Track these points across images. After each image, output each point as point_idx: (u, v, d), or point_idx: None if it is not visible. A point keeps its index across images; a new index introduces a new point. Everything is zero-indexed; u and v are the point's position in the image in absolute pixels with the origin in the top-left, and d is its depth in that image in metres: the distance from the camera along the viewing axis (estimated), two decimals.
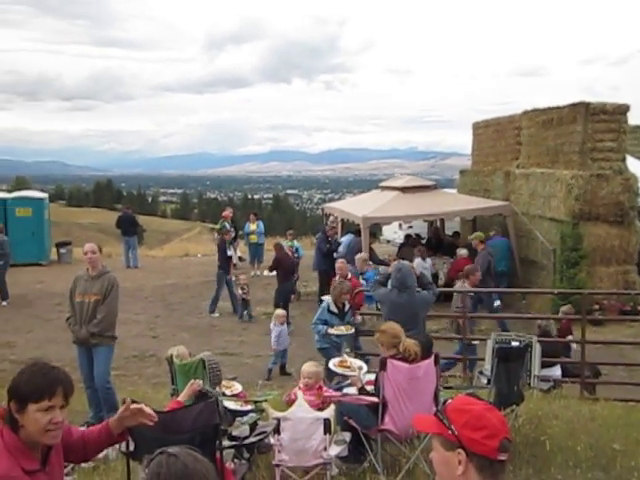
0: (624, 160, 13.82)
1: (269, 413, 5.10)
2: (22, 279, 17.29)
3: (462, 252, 13.81)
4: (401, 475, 5.03)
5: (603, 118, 13.65)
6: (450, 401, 2.01)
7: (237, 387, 6.00)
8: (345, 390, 5.75)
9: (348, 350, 7.95)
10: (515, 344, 6.63)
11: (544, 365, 7.82)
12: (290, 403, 5.17)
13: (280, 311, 10.94)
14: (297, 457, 4.80)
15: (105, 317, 7.11)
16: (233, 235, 16.83)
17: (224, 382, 5.85)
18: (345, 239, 14.84)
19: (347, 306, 8.34)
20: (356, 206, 16.46)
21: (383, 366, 5.07)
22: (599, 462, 5.35)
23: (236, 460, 4.96)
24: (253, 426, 5.18)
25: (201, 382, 5.07)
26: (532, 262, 14.72)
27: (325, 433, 4.74)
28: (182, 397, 4.87)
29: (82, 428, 3.18)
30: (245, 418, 5.29)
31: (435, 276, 14.38)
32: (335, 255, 13.23)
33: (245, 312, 13.92)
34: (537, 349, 7.33)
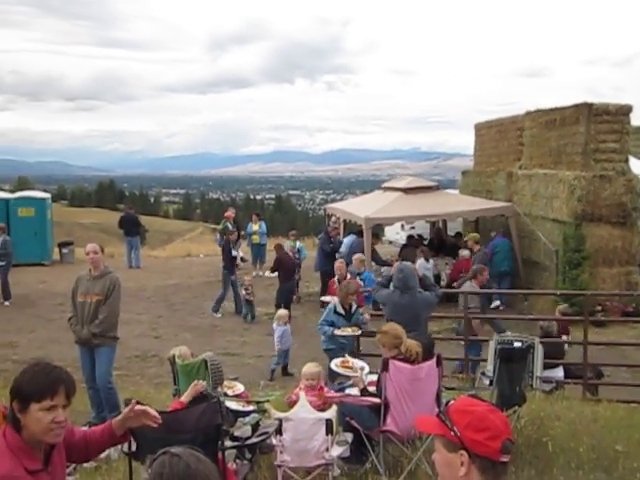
0: (627, 161, 13.80)
1: (271, 413, 5.11)
2: (24, 279, 17.31)
3: (464, 253, 13.82)
4: (403, 476, 5.03)
5: (606, 119, 13.64)
6: (452, 402, 2.01)
7: (239, 387, 6.00)
8: (347, 391, 5.75)
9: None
10: (517, 345, 6.61)
11: (546, 366, 7.81)
12: (291, 404, 5.17)
13: (283, 311, 10.95)
14: (299, 458, 4.80)
15: (107, 317, 7.11)
16: (237, 235, 16.85)
17: (226, 382, 5.85)
18: (347, 240, 14.84)
19: (354, 307, 8.27)
20: (358, 207, 16.46)
21: (385, 367, 5.07)
22: (601, 463, 5.35)
23: (238, 460, 4.97)
24: (255, 427, 5.18)
25: (204, 383, 5.08)
26: (534, 263, 14.70)
27: (327, 434, 4.74)
28: (185, 398, 4.87)
29: (84, 428, 3.18)
30: (247, 419, 5.29)
31: (437, 277, 14.38)
32: (337, 255, 13.23)
33: (248, 313, 13.92)
34: (539, 350, 7.32)
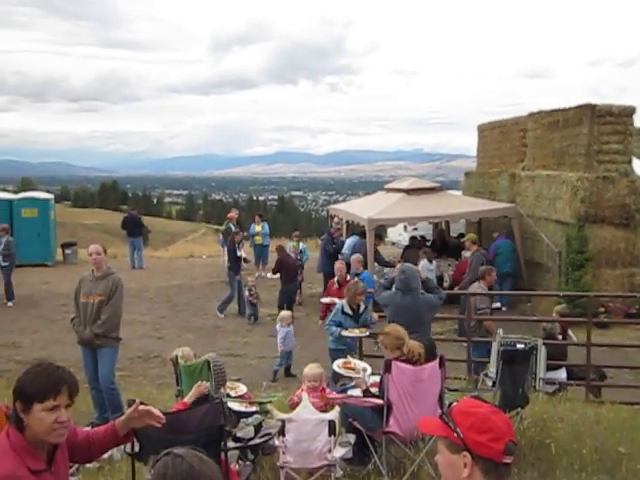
0: (630, 162, 13.79)
1: (274, 414, 5.11)
2: (28, 280, 17.34)
3: (467, 254, 13.80)
4: (406, 477, 5.02)
5: (609, 120, 13.63)
6: (455, 404, 2.01)
7: (242, 388, 6.00)
8: (350, 392, 5.74)
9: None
10: (520, 347, 6.60)
11: (549, 368, 7.80)
12: (293, 406, 5.16)
13: (286, 313, 10.94)
14: (302, 459, 4.80)
15: (109, 318, 7.12)
16: (242, 236, 16.87)
17: (229, 383, 5.86)
18: (349, 241, 14.83)
19: (362, 307, 8.21)
20: (361, 208, 16.46)
21: (388, 368, 5.07)
22: (604, 465, 5.34)
23: (241, 461, 4.97)
24: (258, 427, 5.18)
25: (208, 384, 5.08)
26: (537, 264, 14.69)
27: (330, 435, 4.74)
28: (189, 398, 4.88)
29: (87, 429, 3.19)
30: (250, 419, 5.29)
31: (440, 278, 14.37)
32: (340, 257, 13.23)
33: (252, 314, 13.91)
34: (542, 352, 7.31)
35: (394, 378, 5.04)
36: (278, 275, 14.15)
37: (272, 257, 17.49)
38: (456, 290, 12.38)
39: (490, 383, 6.83)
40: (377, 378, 5.60)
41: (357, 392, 5.58)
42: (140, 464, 4.26)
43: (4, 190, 37.05)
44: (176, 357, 5.88)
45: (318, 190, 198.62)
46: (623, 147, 13.67)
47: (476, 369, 8.96)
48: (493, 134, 18.88)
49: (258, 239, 18.49)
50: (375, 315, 8.33)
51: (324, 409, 5.19)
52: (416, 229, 20.93)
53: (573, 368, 8.80)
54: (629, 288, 13.12)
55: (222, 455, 4.11)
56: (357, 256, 12.03)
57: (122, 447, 4.36)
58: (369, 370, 6.12)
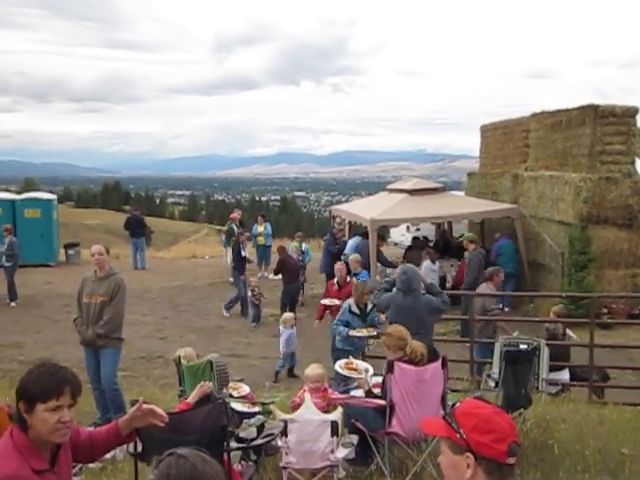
0: (633, 163, 13.76)
1: (276, 415, 5.11)
2: (31, 280, 17.37)
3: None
4: (408, 478, 5.02)
5: (612, 121, 13.60)
6: (458, 404, 2.00)
7: (244, 389, 6.01)
8: (352, 393, 5.74)
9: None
10: (523, 347, 6.59)
11: (552, 369, 7.79)
12: (295, 408, 5.16)
13: (289, 314, 10.95)
14: (304, 459, 4.80)
15: (111, 318, 7.13)
16: (247, 236, 16.89)
17: (231, 384, 5.86)
18: (352, 241, 14.82)
19: (369, 306, 8.17)
20: (364, 208, 16.45)
21: (390, 369, 5.06)
22: (607, 466, 5.33)
23: (243, 462, 4.97)
24: (260, 428, 5.18)
25: (211, 384, 5.08)
26: (540, 265, 14.67)
27: (332, 435, 4.74)
28: (192, 399, 4.88)
29: (90, 429, 3.19)
30: (252, 420, 5.29)
31: (443, 279, 14.36)
32: (343, 257, 13.22)
33: (255, 315, 13.90)
34: (545, 352, 7.30)
35: (397, 379, 5.04)
36: (280, 276, 14.16)
37: (274, 257, 17.50)
38: (460, 291, 12.39)
39: (493, 384, 6.82)
40: (379, 379, 5.60)
41: (359, 393, 5.59)
42: (143, 464, 4.26)
43: (7, 190, 37.11)
44: (179, 357, 5.89)
45: (320, 190, 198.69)
46: (626, 148, 13.64)
47: (479, 370, 8.96)
48: (496, 135, 18.86)
49: (260, 239, 18.51)
50: (382, 315, 8.30)
51: (326, 409, 5.19)
52: (419, 230, 20.91)
53: (576, 369, 8.78)
54: (632, 289, 13.10)
55: (225, 455, 4.11)
56: (355, 256, 12.02)
57: (125, 447, 4.37)
58: (371, 371, 6.12)
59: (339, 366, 6.27)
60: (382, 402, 5.12)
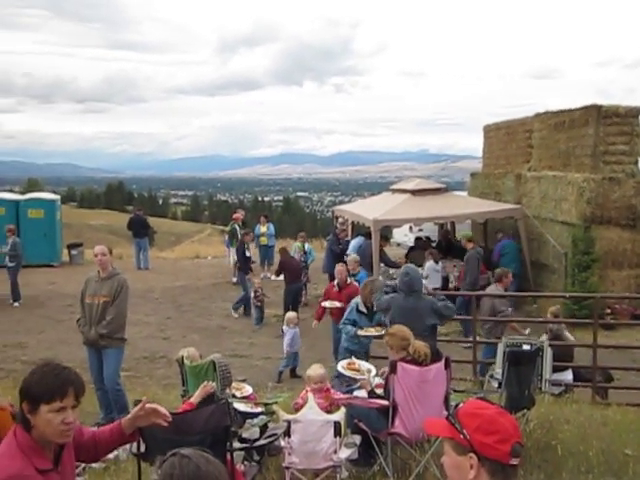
0: (636, 163, 13.74)
1: (279, 415, 5.11)
2: (34, 280, 17.40)
3: None
4: (411, 479, 5.02)
5: (615, 121, 13.58)
6: (462, 405, 2.00)
7: (247, 389, 6.01)
8: (355, 393, 5.74)
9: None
10: (526, 348, 6.59)
11: (555, 369, 7.78)
12: (298, 409, 5.15)
13: (292, 314, 10.95)
14: (307, 460, 4.80)
15: (114, 319, 7.14)
16: (252, 236, 16.89)
17: (234, 384, 5.86)
18: (355, 242, 14.82)
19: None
20: (367, 209, 16.44)
21: (393, 369, 5.06)
22: (611, 467, 5.32)
23: (246, 462, 4.98)
24: (263, 428, 5.19)
25: (214, 384, 5.09)
26: (543, 265, 14.65)
27: (335, 436, 4.73)
28: (195, 399, 4.88)
29: (93, 429, 3.19)
30: (255, 420, 5.30)
31: (446, 279, 14.34)
32: (345, 257, 13.20)
33: (258, 316, 13.90)
34: (548, 353, 7.29)
35: (400, 379, 5.04)
36: (282, 276, 14.18)
37: (277, 258, 17.51)
38: (462, 291, 12.39)
39: (496, 384, 6.81)
40: (382, 379, 5.60)
41: (362, 393, 5.58)
42: (146, 464, 4.27)
43: (11, 191, 37.20)
44: (182, 358, 5.89)
45: (323, 191, 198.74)
46: (629, 148, 13.62)
47: (482, 370, 8.95)
48: (499, 135, 18.83)
49: (263, 240, 18.51)
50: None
51: (329, 410, 5.19)
52: (421, 230, 20.89)
53: (579, 370, 8.78)
54: (635, 289, 13.08)
55: (228, 456, 4.11)
56: (353, 257, 12.00)
57: (128, 447, 4.37)
58: (374, 371, 6.12)
59: (341, 367, 6.27)
60: (385, 402, 5.11)
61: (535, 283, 14.48)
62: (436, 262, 13.92)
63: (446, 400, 5.24)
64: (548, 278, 14.46)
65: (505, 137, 18.39)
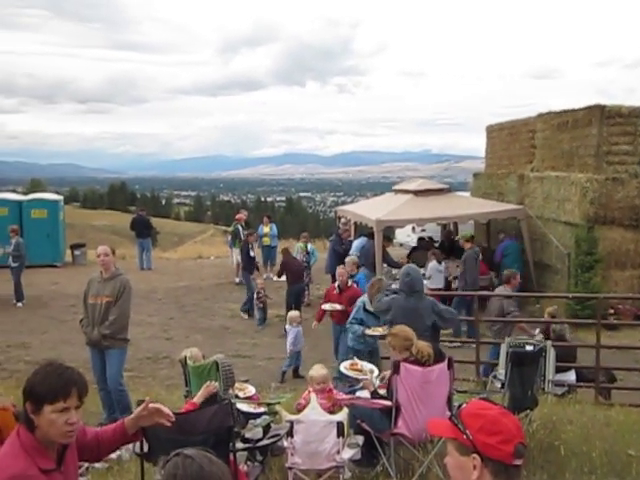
0: (639, 163, 13.72)
1: (282, 416, 5.11)
2: (37, 280, 17.43)
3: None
4: (414, 479, 5.01)
5: (619, 121, 13.57)
6: (465, 405, 2.00)
7: (250, 389, 6.01)
8: (357, 394, 5.73)
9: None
10: (529, 348, 6.58)
11: (558, 370, 7.77)
12: (301, 411, 5.15)
13: (294, 313, 10.94)
14: (310, 460, 4.80)
15: (117, 319, 7.15)
16: (256, 237, 16.91)
17: (237, 384, 5.87)
18: (357, 242, 14.80)
19: None
20: (369, 209, 16.43)
21: (396, 369, 5.06)
22: (614, 468, 5.31)
23: (249, 462, 4.98)
24: (266, 429, 5.19)
25: (217, 384, 5.09)
26: (546, 266, 14.63)
27: (338, 436, 4.73)
28: (198, 399, 4.89)
29: (96, 428, 3.20)
30: (258, 420, 5.30)
31: (448, 279, 14.32)
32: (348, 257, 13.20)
33: (260, 317, 13.90)
34: (551, 353, 7.29)
35: (402, 379, 5.03)
36: (284, 277, 14.19)
37: (280, 258, 17.52)
38: (461, 292, 12.38)
39: (499, 385, 6.80)
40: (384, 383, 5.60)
41: (365, 394, 5.58)
42: (149, 464, 4.27)
43: (14, 191, 37.26)
44: (185, 358, 5.89)
45: (326, 191, 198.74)
46: (632, 148, 13.61)
47: (485, 371, 8.95)
48: (502, 135, 18.82)
49: (266, 240, 18.51)
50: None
51: (332, 410, 5.19)
52: (424, 230, 20.86)
53: (582, 370, 8.77)
54: (638, 289, 13.06)
55: (231, 456, 4.11)
56: (352, 258, 11.98)
57: (131, 447, 4.38)
58: (376, 372, 6.11)
59: (344, 367, 6.26)
60: (388, 403, 5.11)
61: (538, 283, 14.46)
62: (439, 262, 13.91)
63: (449, 401, 5.24)
64: (551, 278, 14.44)
65: (508, 137, 18.38)
